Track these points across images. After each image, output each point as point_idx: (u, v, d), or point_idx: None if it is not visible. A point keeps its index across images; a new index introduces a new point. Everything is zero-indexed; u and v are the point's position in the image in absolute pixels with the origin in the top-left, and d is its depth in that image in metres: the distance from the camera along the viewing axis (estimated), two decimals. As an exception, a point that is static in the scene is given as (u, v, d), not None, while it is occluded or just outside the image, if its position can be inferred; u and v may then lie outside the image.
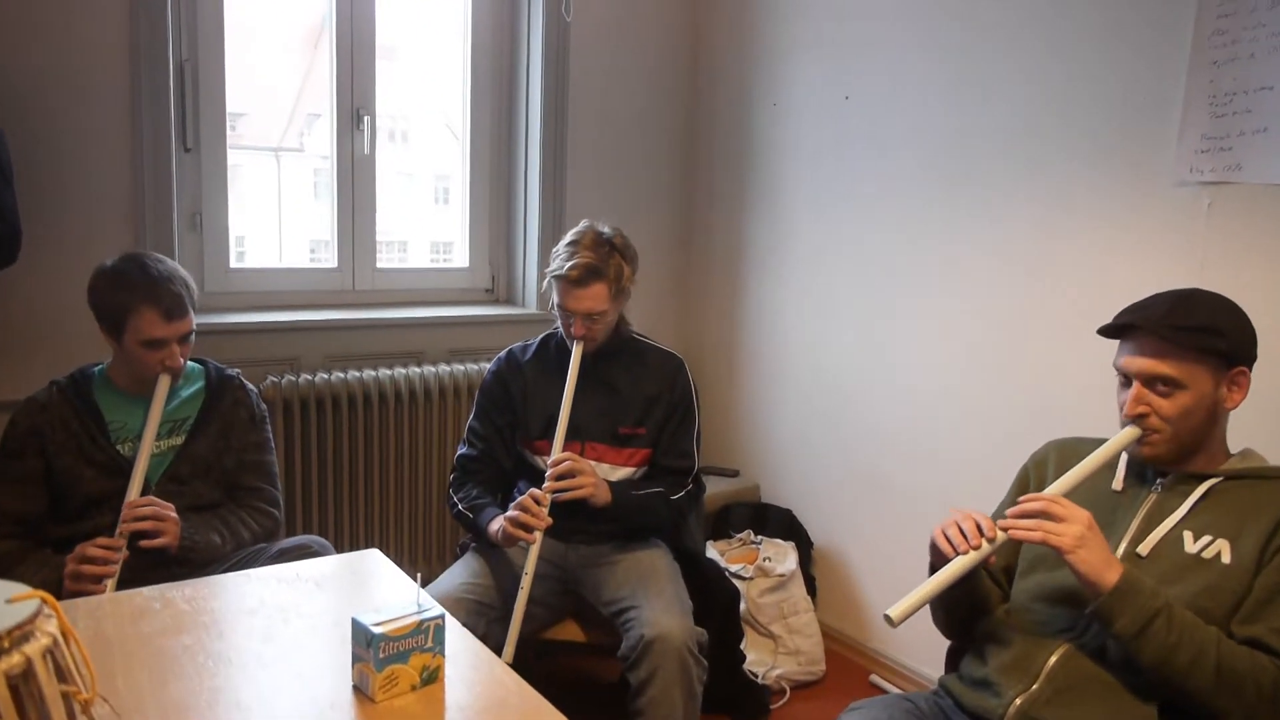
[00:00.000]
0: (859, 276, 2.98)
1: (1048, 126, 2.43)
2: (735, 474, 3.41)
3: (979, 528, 1.47)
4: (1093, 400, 2.36)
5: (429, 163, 3.18)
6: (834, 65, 3.02)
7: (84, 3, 2.47)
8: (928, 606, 1.68)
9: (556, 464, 2.10)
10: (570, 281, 2.15)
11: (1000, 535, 1.46)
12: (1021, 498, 1.49)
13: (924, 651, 2.86)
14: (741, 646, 2.64)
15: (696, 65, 3.52)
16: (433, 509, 3.05)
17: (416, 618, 1.27)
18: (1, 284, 2.44)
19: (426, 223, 3.23)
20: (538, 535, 2.03)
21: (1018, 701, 1.47)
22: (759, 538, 3.13)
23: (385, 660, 1.24)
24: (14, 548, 1.92)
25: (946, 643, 2.74)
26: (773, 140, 3.25)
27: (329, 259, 3.11)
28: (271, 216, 2.94)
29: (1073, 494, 1.50)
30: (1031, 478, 1.72)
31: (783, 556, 3.03)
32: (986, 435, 2.64)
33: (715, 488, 3.24)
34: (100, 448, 1.99)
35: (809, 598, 3.02)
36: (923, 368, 2.80)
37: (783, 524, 3.20)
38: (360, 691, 1.26)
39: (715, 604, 2.39)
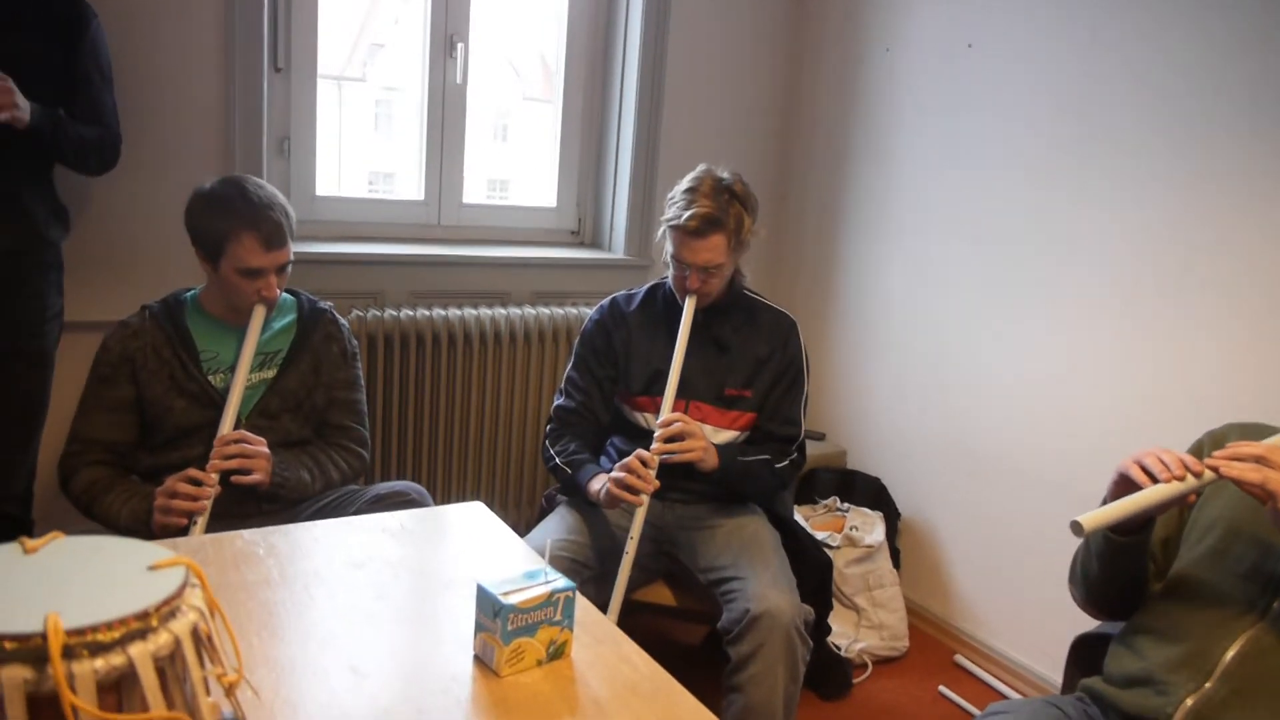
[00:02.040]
0: (970, 241, 2.81)
1: (1200, 84, 2.22)
2: (822, 437, 3.28)
3: (1183, 462, 1.31)
4: (1232, 387, 2.19)
5: (487, 99, 3.04)
6: (956, 8, 2.81)
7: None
8: (1079, 564, 1.55)
9: (666, 424, 1.99)
10: (687, 232, 2.02)
11: (1207, 474, 1.30)
12: (1230, 443, 1.32)
13: (1014, 635, 2.74)
14: (828, 619, 2.53)
15: (804, 5, 3.32)
16: (517, 455, 2.96)
17: (547, 588, 1.17)
18: (92, 199, 2.37)
19: (484, 160, 3.10)
20: (645, 499, 1.92)
21: (1189, 703, 1.31)
22: (845, 505, 3.02)
23: (513, 633, 1.14)
24: (103, 475, 1.86)
25: (1037, 626, 2.65)
26: (883, 90, 3.06)
27: (407, 183, 2.98)
28: (332, 147, 2.83)
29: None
30: (1206, 451, 1.55)
31: (870, 526, 2.91)
32: (1101, 420, 2.47)
33: (801, 451, 3.12)
34: (192, 377, 1.91)
35: (894, 571, 2.91)
36: (1035, 343, 2.63)
37: (871, 493, 3.07)
38: (482, 663, 1.17)
39: (809, 574, 2.28)
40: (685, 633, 2.72)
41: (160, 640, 0.62)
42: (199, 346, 1.94)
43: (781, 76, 3.36)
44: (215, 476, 1.76)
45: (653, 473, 1.93)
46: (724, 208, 2.01)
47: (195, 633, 0.66)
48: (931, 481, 2.98)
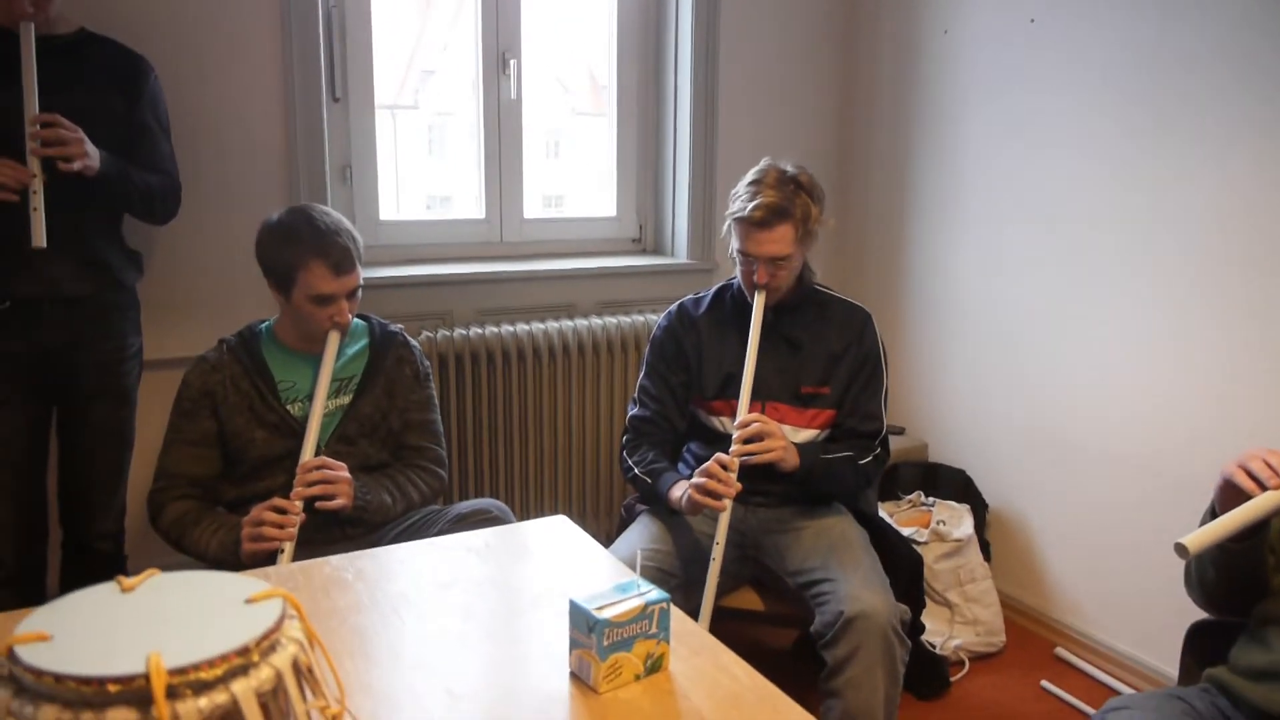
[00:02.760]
0: (1042, 222, 2.71)
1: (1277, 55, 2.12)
2: (901, 431, 3.20)
3: None
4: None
5: (538, 116, 3.06)
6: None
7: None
8: (1194, 570, 1.48)
9: (744, 425, 1.95)
10: (753, 224, 1.98)
11: None
12: None
13: (1117, 626, 2.63)
14: (920, 617, 2.46)
15: (855, -6, 3.26)
16: (592, 466, 2.95)
17: (640, 600, 1.14)
18: (163, 239, 2.41)
19: (538, 176, 3.12)
20: (727, 503, 1.89)
21: None
22: (930, 499, 2.94)
23: (610, 648, 1.12)
24: (191, 508, 1.89)
25: (1141, 615, 2.54)
26: (943, 73, 2.98)
27: (465, 204, 3.00)
28: (389, 173, 2.88)
29: None
30: None
31: (958, 520, 2.83)
32: (1192, 399, 2.36)
33: (880, 446, 3.05)
34: (271, 408, 1.93)
35: (985, 564, 2.82)
36: (1120, 321, 2.53)
37: (956, 485, 2.99)
38: (579, 680, 1.15)
39: (899, 572, 2.21)
40: (775, 637, 2.67)
41: (262, 675, 0.60)
42: (276, 377, 1.96)
43: (837, 68, 3.30)
44: (300, 504, 1.77)
45: (734, 476, 1.89)
46: (790, 198, 1.97)
47: (296, 665, 0.64)
48: (1018, 470, 2.89)
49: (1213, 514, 1.41)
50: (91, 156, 1.90)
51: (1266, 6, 2.14)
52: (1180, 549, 1.23)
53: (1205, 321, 2.33)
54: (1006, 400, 2.90)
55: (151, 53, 2.19)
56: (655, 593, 1.17)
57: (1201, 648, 1.61)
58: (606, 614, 1.11)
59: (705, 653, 1.23)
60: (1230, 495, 1.32)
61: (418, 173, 3.03)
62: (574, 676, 1.16)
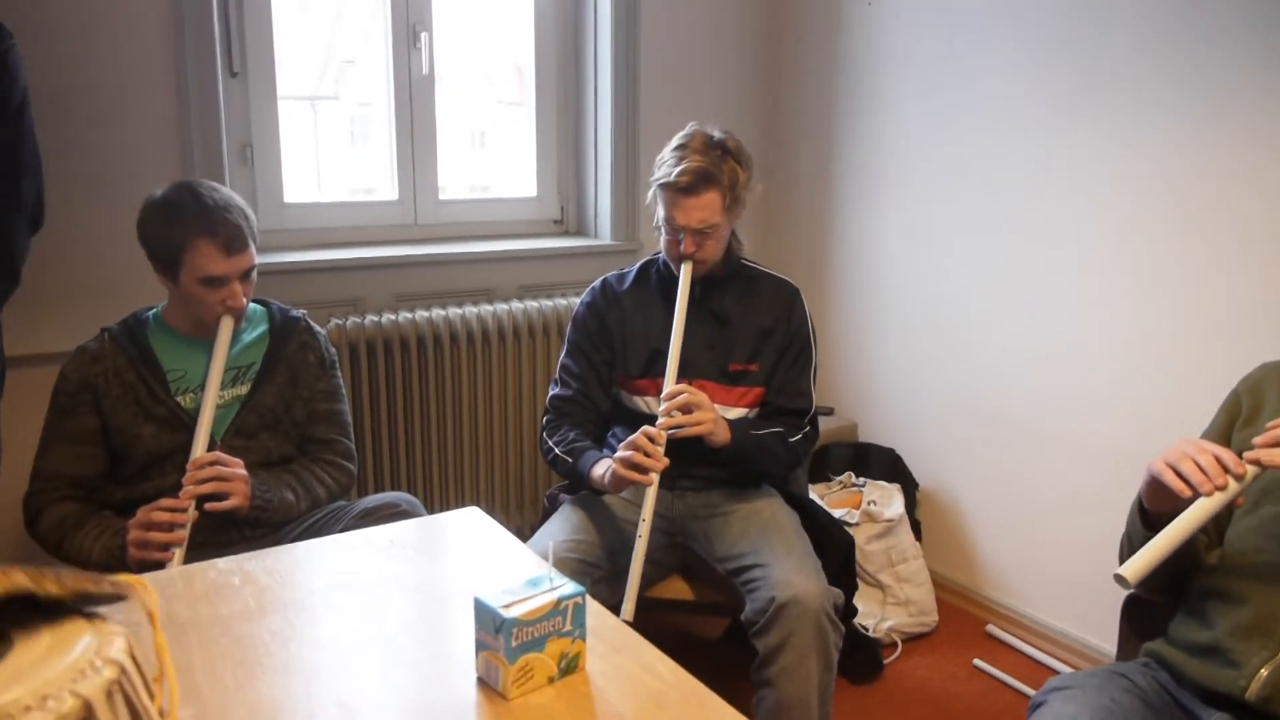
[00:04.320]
0: (970, 194, 2.68)
1: (1211, 10, 2.10)
2: (830, 412, 3.16)
3: (1220, 462, 1.20)
4: (1260, 323, 2.07)
5: (462, 105, 2.95)
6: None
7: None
8: (1128, 552, 1.44)
9: (672, 395, 1.85)
10: (679, 190, 1.89)
11: (1250, 470, 1.19)
12: (1270, 424, 1.21)
13: (1048, 601, 2.62)
14: (853, 599, 2.42)
15: (777, -35, 3.19)
16: (515, 456, 2.84)
17: (553, 596, 1.05)
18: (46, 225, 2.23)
19: (465, 167, 3.00)
20: (654, 477, 1.78)
21: (1264, 673, 1.22)
22: (861, 480, 2.90)
23: (519, 649, 1.02)
24: (72, 511, 1.74)
25: (1072, 590, 2.53)
26: (868, 45, 2.93)
27: (386, 194, 2.87)
28: (309, 166, 2.73)
29: None
30: (1245, 404, 1.44)
31: (889, 500, 2.79)
32: (1122, 369, 2.35)
33: (810, 428, 3.00)
34: (159, 400, 1.78)
35: (916, 543, 2.79)
36: (1049, 296, 2.51)
37: (886, 465, 2.95)
38: (487, 685, 1.05)
39: (831, 555, 2.15)
40: (705, 626, 2.61)
41: (65, 709, 0.49)
42: (165, 366, 1.81)
43: (761, 41, 3.23)
44: (190, 503, 1.64)
45: (661, 450, 1.80)
46: (717, 163, 1.89)
47: (114, 691, 0.54)
48: (948, 448, 2.86)
49: (1140, 509, 1.37)
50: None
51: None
52: (1120, 580, 1.18)
53: (1135, 294, 2.32)
54: (935, 377, 2.87)
55: (20, 13, 2.00)
56: (569, 586, 1.07)
57: (1141, 621, 1.57)
58: (514, 612, 1.02)
59: (626, 649, 1.14)
60: (1157, 492, 1.28)
61: (340, 165, 2.89)
62: (481, 682, 1.06)
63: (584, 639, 1.08)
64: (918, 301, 2.88)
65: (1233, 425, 1.44)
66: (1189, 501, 1.21)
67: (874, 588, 2.70)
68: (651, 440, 1.79)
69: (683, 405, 1.85)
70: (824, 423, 3.05)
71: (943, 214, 2.77)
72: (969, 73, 2.63)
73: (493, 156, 3.17)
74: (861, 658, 2.50)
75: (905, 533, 2.76)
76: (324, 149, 2.83)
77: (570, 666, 1.07)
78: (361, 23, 2.79)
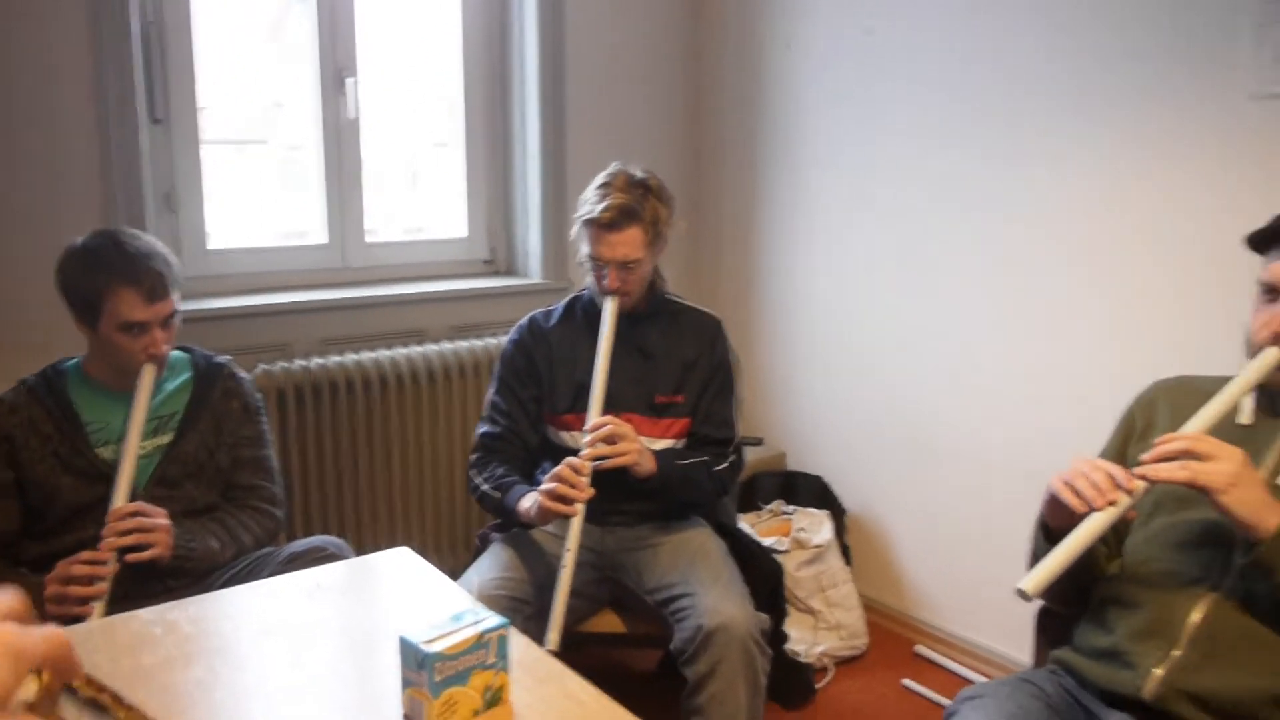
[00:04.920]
0: (889, 227, 2.78)
1: (1101, 43, 2.23)
2: (759, 442, 3.22)
3: (1112, 478, 1.27)
4: (1163, 340, 2.19)
5: (394, 146, 2.98)
6: (862, 3, 2.79)
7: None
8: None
9: (596, 427, 1.89)
10: (602, 226, 1.94)
11: (1139, 485, 1.26)
12: (1157, 440, 1.29)
13: (973, 619, 2.70)
14: (783, 626, 2.46)
15: (701, 11, 3.28)
16: (447, 497, 2.84)
17: (475, 629, 1.07)
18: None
19: (398, 208, 3.04)
20: (579, 508, 1.82)
21: (1158, 672, 1.29)
22: (790, 508, 2.95)
23: (442, 684, 1.04)
24: (-14, 569, 1.71)
25: (1003, 610, 2.61)
26: (788, 86, 3.03)
27: (316, 238, 2.87)
28: (237, 211, 2.73)
29: (1208, 432, 1.30)
30: (1139, 421, 1.52)
31: (817, 526, 2.85)
32: (1039, 389, 2.46)
33: (740, 458, 3.05)
34: (79, 452, 1.76)
35: (846, 568, 2.85)
36: (967, 321, 2.61)
37: (814, 492, 3.02)
38: (413, 722, 1.07)
39: (760, 582, 2.20)
40: (639, 660, 2.63)
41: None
42: (84, 418, 1.80)
43: (684, 82, 3.31)
44: (111, 555, 1.62)
45: (586, 480, 1.83)
46: (639, 200, 1.95)
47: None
48: (874, 474, 2.94)
49: (1042, 525, 1.44)
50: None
51: (1089, 11, 2.25)
52: (1021, 593, 1.24)
53: (1041, 320, 2.43)
54: (860, 405, 2.95)
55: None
56: (493, 619, 1.10)
57: (1051, 630, 1.64)
58: (437, 646, 1.04)
59: (551, 680, 1.17)
60: (1056, 510, 1.35)
61: (270, 210, 2.88)
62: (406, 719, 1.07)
63: (508, 671, 1.11)
64: (841, 332, 2.97)
65: (1128, 441, 1.52)
66: (1085, 516, 1.28)
67: (805, 613, 2.75)
68: (576, 471, 1.83)
69: (607, 436, 1.88)
70: (753, 453, 3.12)
71: (861, 247, 2.86)
72: (884, 110, 2.74)
73: (425, 197, 3.20)
74: (795, 683, 2.54)
75: (835, 558, 2.82)
76: (253, 193, 2.82)
77: (494, 699, 1.10)
78: (289, 67, 2.81)
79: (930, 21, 2.59)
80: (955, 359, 2.65)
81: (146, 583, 1.72)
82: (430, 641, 1.05)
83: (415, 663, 1.04)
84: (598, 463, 1.87)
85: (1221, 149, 2.07)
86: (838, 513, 2.97)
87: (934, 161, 2.63)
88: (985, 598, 2.66)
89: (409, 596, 1.43)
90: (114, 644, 1.24)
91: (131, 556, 1.64)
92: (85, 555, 1.61)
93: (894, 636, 2.88)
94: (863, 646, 2.78)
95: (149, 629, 1.28)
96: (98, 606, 1.58)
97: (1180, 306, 2.17)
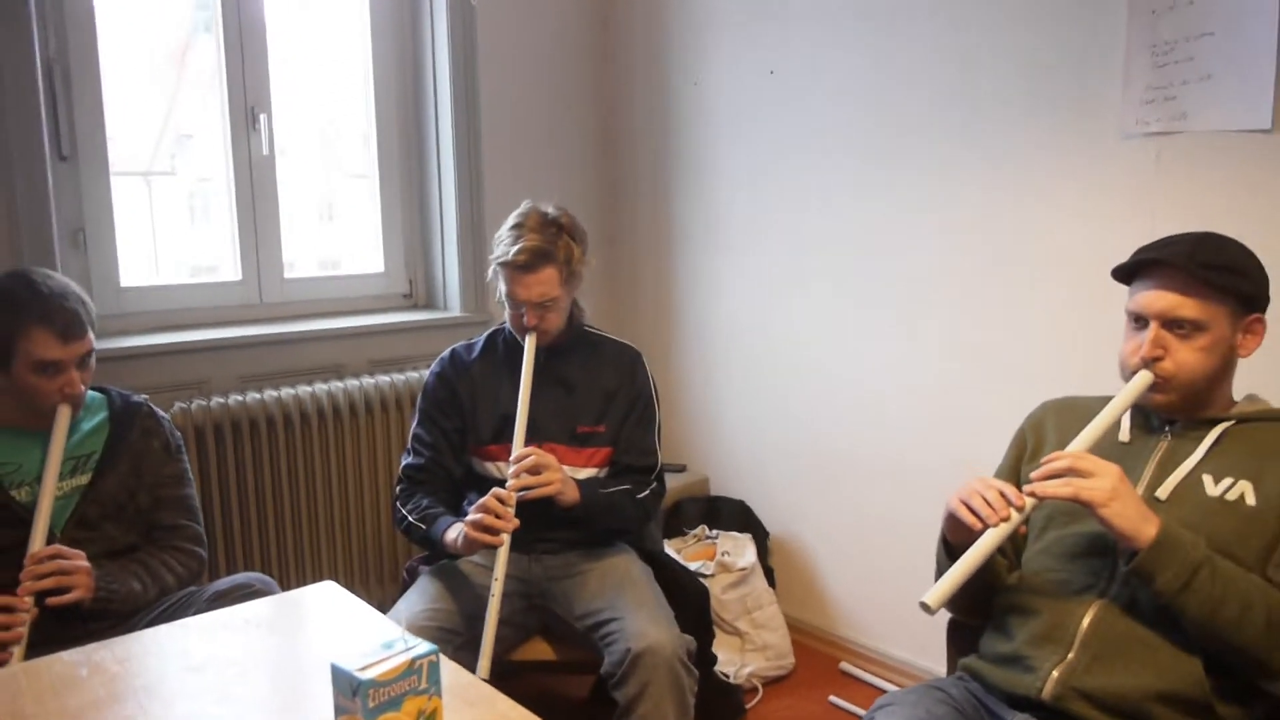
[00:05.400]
0: (797, 255, 2.88)
1: (984, 86, 2.37)
2: (683, 469, 3.28)
3: (1003, 495, 1.36)
4: (1052, 362, 2.32)
5: (308, 179, 3.00)
6: (755, 39, 2.91)
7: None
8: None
9: (520, 459, 1.93)
10: (517, 267, 1.99)
11: (1029, 501, 1.36)
12: (1043, 458, 1.39)
13: (894, 634, 2.78)
14: (711, 648, 2.51)
15: (610, 48, 3.37)
16: (372, 530, 2.83)
17: (406, 656, 1.09)
18: None
19: (313, 241, 3.05)
20: (505, 538, 1.85)
21: (1055, 674, 1.37)
22: (714, 532, 3.01)
23: (376, 710, 1.06)
24: (-105, 619, 1.65)
25: (921, 624, 2.69)
26: (696, 121, 3.13)
27: (229, 273, 2.85)
28: (145, 244, 2.70)
29: (1090, 450, 1.41)
30: (1029, 440, 1.63)
31: (741, 549, 2.92)
32: (942, 407, 2.57)
33: (664, 484, 3.11)
34: (-7, 494, 1.73)
35: (770, 590, 2.91)
36: (868, 343, 2.72)
37: (736, 516, 3.08)
38: (347, 750, 1.08)
39: (686, 604, 2.25)
40: (571, 686, 2.64)
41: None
42: (-3, 460, 1.76)
43: (595, 115, 3.39)
44: (29, 600, 1.59)
45: (511, 510, 1.86)
46: (552, 239, 2.00)
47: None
48: (794, 496, 3.02)
49: (944, 541, 1.53)
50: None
51: (971, 52, 2.39)
52: (924, 606, 1.32)
53: (942, 334, 2.55)
54: (778, 430, 3.03)
55: None
56: (423, 646, 1.12)
57: (961, 640, 1.73)
58: (370, 673, 1.06)
59: (482, 703, 1.19)
60: (955, 526, 1.44)
61: (180, 242, 2.85)
62: (341, 746, 1.09)
63: (440, 695, 1.13)
64: (756, 358, 3.06)
65: (1020, 459, 1.63)
66: (982, 533, 1.37)
67: (732, 635, 2.80)
68: (501, 501, 1.86)
69: (531, 467, 1.92)
70: (676, 479, 3.18)
71: (772, 273, 2.96)
72: (788, 144, 2.86)
73: (341, 230, 3.20)
74: (725, 705, 2.57)
75: (759, 580, 2.89)
76: (161, 226, 2.79)
77: (428, 723, 1.12)
78: (198, 97, 2.79)
79: (826, 64, 2.72)
80: (866, 382, 2.75)
81: (67, 626, 1.69)
82: (363, 669, 1.07)
83: (349, 690, 1.06)
84: (523, 493, 1.90)
85: (1097, 185, 2.21)
86: (760, 535, 3.04)
87: (833, 192, 2.75)
88: (905, 613, 2.74)
89: (337, 629, 1.44)
90: (39, 686, 1.23)
91: (52, 600, 1.61)
92: (1, 600, 1.57)
93: (819, 655, 2.95)
94: (789, 666, 2.84)
95: (74, 670, 1.27)
96: (16, 651, 1.55)
97: (1069, 331, 2.30)
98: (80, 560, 1.68)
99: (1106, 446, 1.48)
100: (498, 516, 1.84)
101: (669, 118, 3.21)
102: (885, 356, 2.69)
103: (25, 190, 2.34)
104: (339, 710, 1.09)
